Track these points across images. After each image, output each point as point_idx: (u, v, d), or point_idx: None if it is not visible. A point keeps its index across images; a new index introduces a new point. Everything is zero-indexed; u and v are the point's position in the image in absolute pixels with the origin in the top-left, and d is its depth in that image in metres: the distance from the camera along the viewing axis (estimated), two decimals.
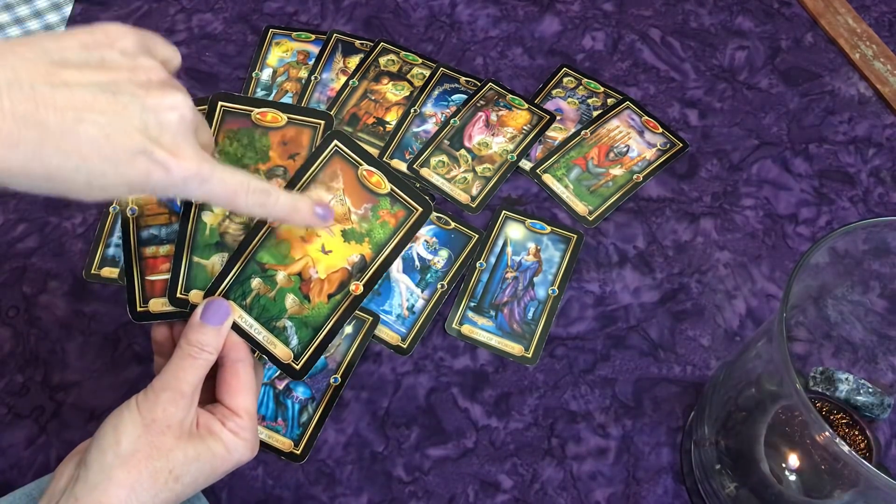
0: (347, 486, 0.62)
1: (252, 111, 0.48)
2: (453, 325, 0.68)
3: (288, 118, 0.48)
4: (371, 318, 0.67)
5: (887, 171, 0.77)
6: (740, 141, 0.78)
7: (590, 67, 0.83)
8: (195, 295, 0.46)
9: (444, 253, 0.71)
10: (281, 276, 0.46)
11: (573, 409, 0.65)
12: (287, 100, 0.79)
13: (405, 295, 0.69)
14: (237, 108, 0.47)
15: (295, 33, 0.83)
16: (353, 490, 0.62)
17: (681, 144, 0.78)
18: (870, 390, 0.62)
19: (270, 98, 0.79)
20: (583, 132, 0.78)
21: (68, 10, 0.84)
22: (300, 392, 0.64)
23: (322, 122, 0.48)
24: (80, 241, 0.71)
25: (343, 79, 0.80)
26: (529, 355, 0.67)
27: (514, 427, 0.65)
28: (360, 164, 0.47)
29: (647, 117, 0.79)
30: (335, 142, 0.47)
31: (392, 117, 0.78)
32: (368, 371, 0.67)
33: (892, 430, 0.64)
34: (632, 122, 0.79)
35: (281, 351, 0.46)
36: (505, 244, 0.72)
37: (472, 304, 0.69)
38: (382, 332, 0.68)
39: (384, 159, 0.76)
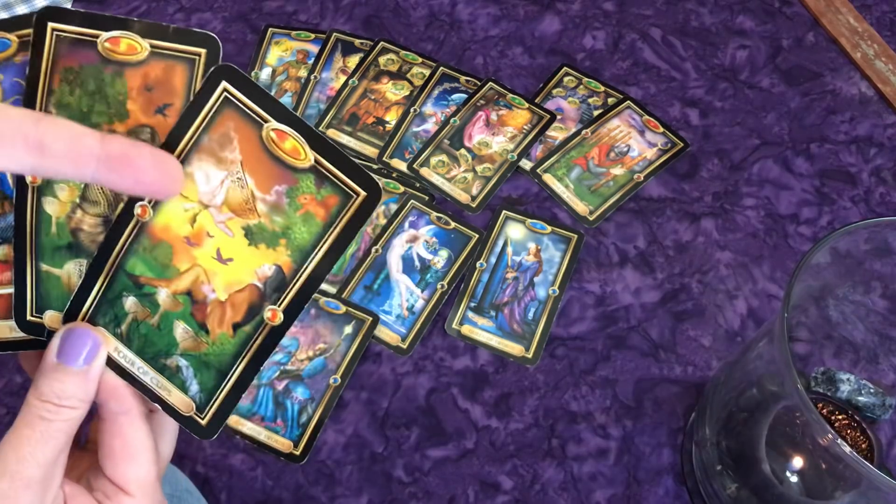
0: (347, 487, 0.62)
1: (99, 36, 0.31)
2: (453, 326, 0.68)
3: (151, 47, 0.32)
4: (371, 319, 0.67)
5: (889, 171, 0.77)
6: (741, 140, 0.78)
7: (590, 67, 0.83)
8: (52, 318, 0.33)
9: (444, 253, 0.71)
10: (163, 296, 0.33)
11: (574, 410, 0.65)
12: (287, 99, 0.79)
13: (405, 295, 0.69)
14: (76, 32, 0.32)
15: (294, 32, 0.83)
16: (353, 491, 0.62)
17: (681, 144, 0.78)
18: (871, 391, 0.62)
19: None
20: (583, 132, 0.78)
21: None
22: (299, 393, 0.64)
23: (202, 52, 0.32)
24: None
25: (343, 78, 0.80)
26: (530, 356, 0.67)
27: (514, 428, 0.65)
28: (266, 121, 0.31)
29: (647, 117, 0.79)
30: (223, 84, 0.31)
31: (392, 117, 0.78)
32: (368, 371, 0.66)
33: (893, 430, 0.63)
34: (632, 121, 0.79)
35: (178, 399, 0.33)
36: (505, 244, 0.72)
37: (473, 305, 0.69)
38: (382, 332, 0.67)
39: (384, 159, 0.76)
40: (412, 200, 0.73)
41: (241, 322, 0.33)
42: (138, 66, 0.32)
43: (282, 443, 0.63)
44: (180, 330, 0.33)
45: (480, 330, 0.68)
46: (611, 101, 0.80)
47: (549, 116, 0.78)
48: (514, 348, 0.67)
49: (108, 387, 0.32)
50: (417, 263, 0.70)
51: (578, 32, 0.85)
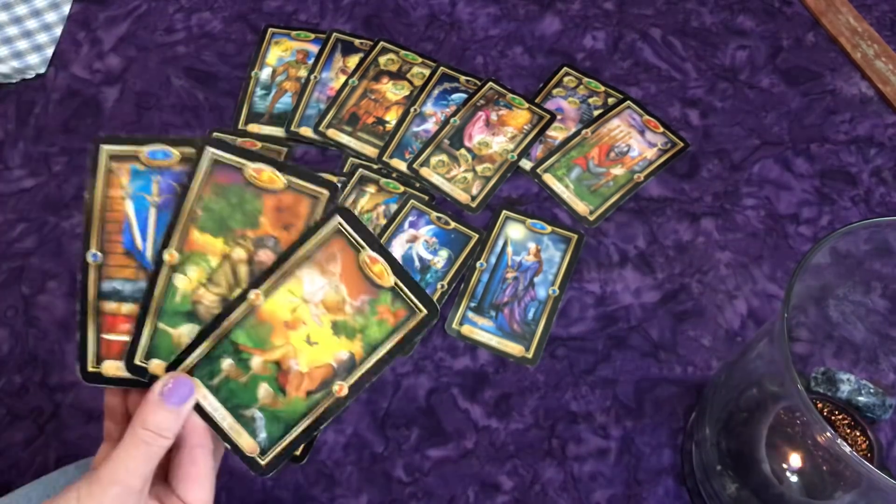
0: (347, 488, 0.62)
1: (246, 166, 0.41)
2: (453, 326, 0.68)
3: (287, 182, 0.41)
4: None
5: (889, 171, 0.77)
6: (741, 140, 0.78)
7: (590, 67, 0.83)
8: (156, 365, 0.41)
9: (444, 253, 0.71)
10: (256, 362, 0.41)
11: (574, 410, 0.65)
12: (287, 99, 0.79)
13: None
14: (229, 159, 0.41)
15: (294, 32, 0.83)
16: (353, 491, 0.62)
17: (682, 144, 0.78)
18: (871, 391, 0.62)
19: (270, 97, 0.79)
20: (583, 132, 0.78)
21: (67, 9, 0.84)
22: None
23: (326, 193, 0.41)
24: (79, 241, 0.71)
25: (343, 78, 0.80)
26: (530, 356, 0.67)
27: (514, 428, 0.65)
28: (364, 249, 0.41)
29: (647, 117, 0.79)
30: (338, 219, 0.41)
31: (392, 116, 0.78)
32: None
33: (893, 430, 0.63)
34: (632, 121, 0.79)
35: (246, 442, 0.41)
36: (505, 244, 0.72)
37: (473, 305, 0.69)
38: None
39: (384, 159, 0.76)
40: (412, 200, 0.73)
41: (315, 390, 0.41)
42: (274, 192, 0.41)
43: None
44: (263, 390, 0.41)
45: (480, 330, 0.68)
46: (611, 101, 0.80)
47: (549, 116, 0.78)
48: (514, 348, 0.67)
49: (192, 425, 0.40)
50: (417, 263, 0.70)
51: (578, 32, 0.85)
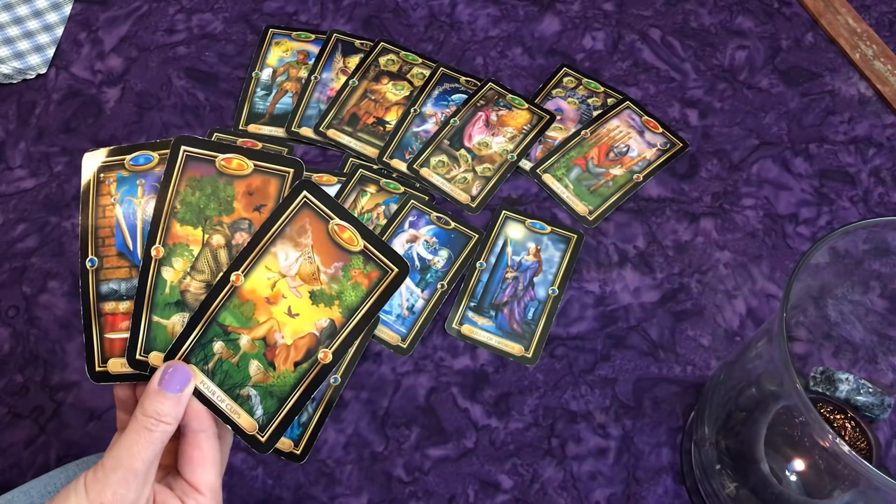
0: (347, 487, 0.62)
1: (216, 157, 0.44)
2: (453, 325, 0.68)
3: (254, 165, 0.44)
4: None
5: (887, 171, 0.77)
6: (740, 141, 0.78)
7: (590, 67, 0.83)
8: (155, 357, 0.43)
9: (444, 253, 0.71)
10: (244, 341, 0.43)
11: (573, 409, 0.65)
12: (287, 100, 0.79)
13: (405, 295, 0.69)
14: (201, 153, 0.44)
15: (295, 33, 0.83)
16: (353, 490, 0.62)
17: (681, 144, 0.78)
18: (870, 390, 0.62)
19: (270, 97, 0.79)
20: (583, 132, 0.78)
21: (68, 9, 0.84)
22: None
23: (291, 171, 0.44)
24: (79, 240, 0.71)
25: (343, 78, 0.80)
26: (529, 355, 0.67)
27: (514, 427, 0.65)
28: (331, 219, 0.44)
29: (647, 117, 0.79)
30: (304, 193, 0.44)
31: (392, 117, 0.78)
32: (368, 371, 0.67)
33: (892, 430, 0.63)
34: (632, 121, 0.79)
35: (245, 421, 0.43)
36: (505, 244, 0.72)
37: (472, 304, 0.69)
38: (382, 332, 0.67)
39: (384, 159, 0.76)
40: (412, 200, 0.73)
41: (301, 360, 0.43)
42: (244, 177, 0.44)
43: (282, 442, 0.63)
44: (254, 367, 0.43)
45: (480, 330, 0.68)
46: (610, 101, 0.80)
47: (548, 117, 0.78)
48: (514, 348, 0.68)
49: (193, 410, 0.41)
50: (417, 263, 0.71)
51: (578, 33, 0.85)
